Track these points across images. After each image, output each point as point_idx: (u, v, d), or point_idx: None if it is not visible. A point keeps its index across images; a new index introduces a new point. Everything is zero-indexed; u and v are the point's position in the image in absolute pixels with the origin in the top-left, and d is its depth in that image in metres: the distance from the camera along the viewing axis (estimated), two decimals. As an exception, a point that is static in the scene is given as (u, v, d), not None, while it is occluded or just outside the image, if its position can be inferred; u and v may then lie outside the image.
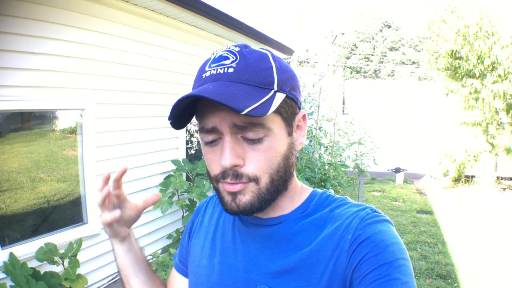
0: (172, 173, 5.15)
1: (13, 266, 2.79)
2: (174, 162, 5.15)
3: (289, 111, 0.90)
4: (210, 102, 0.81)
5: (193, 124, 6.32)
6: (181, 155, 5.52)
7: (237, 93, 0.79)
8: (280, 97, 0.85)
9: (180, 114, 0.87)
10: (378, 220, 0.89)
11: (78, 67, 3.89)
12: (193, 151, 6.36)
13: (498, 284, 5.24)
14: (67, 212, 4.05)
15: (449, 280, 5.22)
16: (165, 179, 5.01)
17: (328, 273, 0.85)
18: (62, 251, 3.28)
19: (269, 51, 0.90)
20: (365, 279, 0.79)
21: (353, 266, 0.83)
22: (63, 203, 4.00)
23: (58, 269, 3.23)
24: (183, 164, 5.21)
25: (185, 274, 1.20)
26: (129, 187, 4.57)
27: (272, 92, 0.84)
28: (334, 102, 9.68)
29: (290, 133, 0.92)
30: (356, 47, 47.12)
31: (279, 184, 0.90)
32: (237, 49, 0.87)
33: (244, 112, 0.76)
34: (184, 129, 5.59)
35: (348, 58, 46.20)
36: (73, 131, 4.08)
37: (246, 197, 0.87)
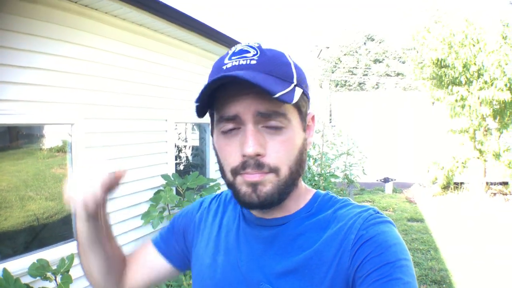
0: (162, 188, 5.12)
1: (7, 281, 2.76)
2: (164, 176, 5.12)
3: (305, 108, 0.94)
4: (233, 89, 0.84)
5: (181, 140, 6.31)
6: (171, 170, 5.49)
7: (266, 80, 0.80)
8: (299, 91, 0.87)
9: (204, 100, 0.87)
10: (381, 221, 0.89)
11: (67, 82, 3.86)
12: (182, 167, 6.34)
13: (492, 285, 5.25)
14: (58, 229, 4.00)
15: (444, 286, 5.24)
16: (155, 194, 4.98)
17: (331, 273, 0.86)
18: (54, 267, 3.24)
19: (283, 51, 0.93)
20: (367, 279, 0.80)
21: (355, 265, 0.83)
22: (53, 220, 3.96)
23: (51, 285, 3.18)
24: (173, 179, 5.18)
25: (159, 246, 1.20)
26: (120, 203, 4.54)
27: (293, 85, 0.86)
28: (321, 114, 9.76)
29: (304, 129, 0.94)
30: (340, 61, 47.49)
31: (295, 178, 0.91)
32: (257, 45, 0.89)
33: (276, 95, 0.78)
34: (173, 144, 5.57)
35: (332, 72, 46.52)
36: (60, 149, 4.05)
37: (267, 188, 0.87)
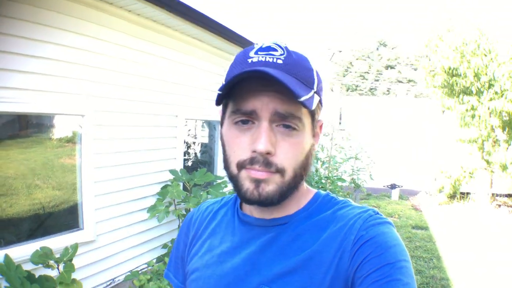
0: (169, 182, 5.13)
1: (8, 267, 2.76)
2: (172, 172, 5.14)
3: (318, 115, 0.95)
4: (256, 84, 0.83)
5: (191, 136, 6.32)
6: (179, 165, 5.51)
7: (292, 82, 0.81)
8: (317, 99, 0.88)
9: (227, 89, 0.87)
10: (380, 222, 0.89)
11: (80, 73, 3.89)
12: (190, 163, 6.35)
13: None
14: (63, 218, 4.02)
15: (445, 295, 5.21)
16: (162, 188, 5.00)
17: (331, 273, 0.85)
18: (57, 256, 3.25)
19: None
20: (367, 280, 0.80)
21: (355, 266, 0.83)
22: (59, 209, 3.97)
23: (53, 273, 3.18)
24: (180, 174, 5.19)
25: None
26: (127, 196, 4.57)
27: (313, 92, 0.87)
28: (331, 117, 9.75)
29: (313, 135, 0.95)
30: (352, 65, 47.35)
31: (297, 181, 0.91)
32: (284, 45, 0.89)
33: (301, 99, 0.79)
34: (182, 140, 5.58)
35: (344, 76, 46.40)
36: (69, 140, 4.07)
37: (270, 187, 0.87)
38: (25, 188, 3.72)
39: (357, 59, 47.42)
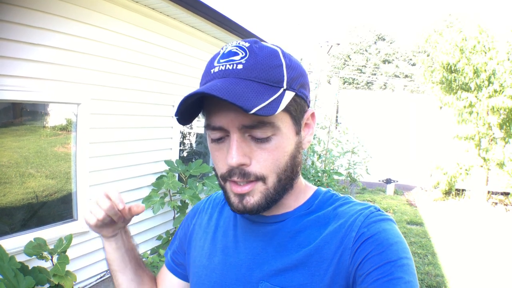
0: (164, 173, 5.10)
1: (1, 259, 2.72)
2: (167, 162, 5.11)
3: (298, 110, 0.90)
4: (218, 100, 0.79)
5: (186, 127, 6.28)
6: (175, 156, 5.49)
7: (245, 91, 0.77)
8: (289, 96, 0.84)
9: (187, 110, 0.85)
10: (382, 219, 0.89)
11: (77, 61, 3.85)
12: (186, 153, 6.32)
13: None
14: (57, 208, 3.99)
15: (440, 291, 5.20)
16: (157, 179, 4.96)
17: (331, 270, 0.85)
18: (51, 247, 3.22)
19: (279, 47, 0.89)
20: (368, 277, 0.79)
21: (356, 263, 0.83)
22: (52, 199, 3.94)
23: (46, 264, 3.16)
24: (176, 165, 5.16)
25: (176, 273, 1.20)
26: (122, 186, 4.53)
27: (282, 90, 0.83)
28: (328, 110, 9.74)
29: (298, 132, 0.91)
30: (350, 59, 47.40)
31: (286, 183, 0.90)
32: (247, 44, 0.86)
33: (252, 112, 0.74)
34: (178, 130, 5.55)
35: (341, 69, 46.46)
36: (64, 128, 4.04)
37: (254, 198, 0.87)
38: (18, 176, 3.68)
39: (354, 52, 47.47)
